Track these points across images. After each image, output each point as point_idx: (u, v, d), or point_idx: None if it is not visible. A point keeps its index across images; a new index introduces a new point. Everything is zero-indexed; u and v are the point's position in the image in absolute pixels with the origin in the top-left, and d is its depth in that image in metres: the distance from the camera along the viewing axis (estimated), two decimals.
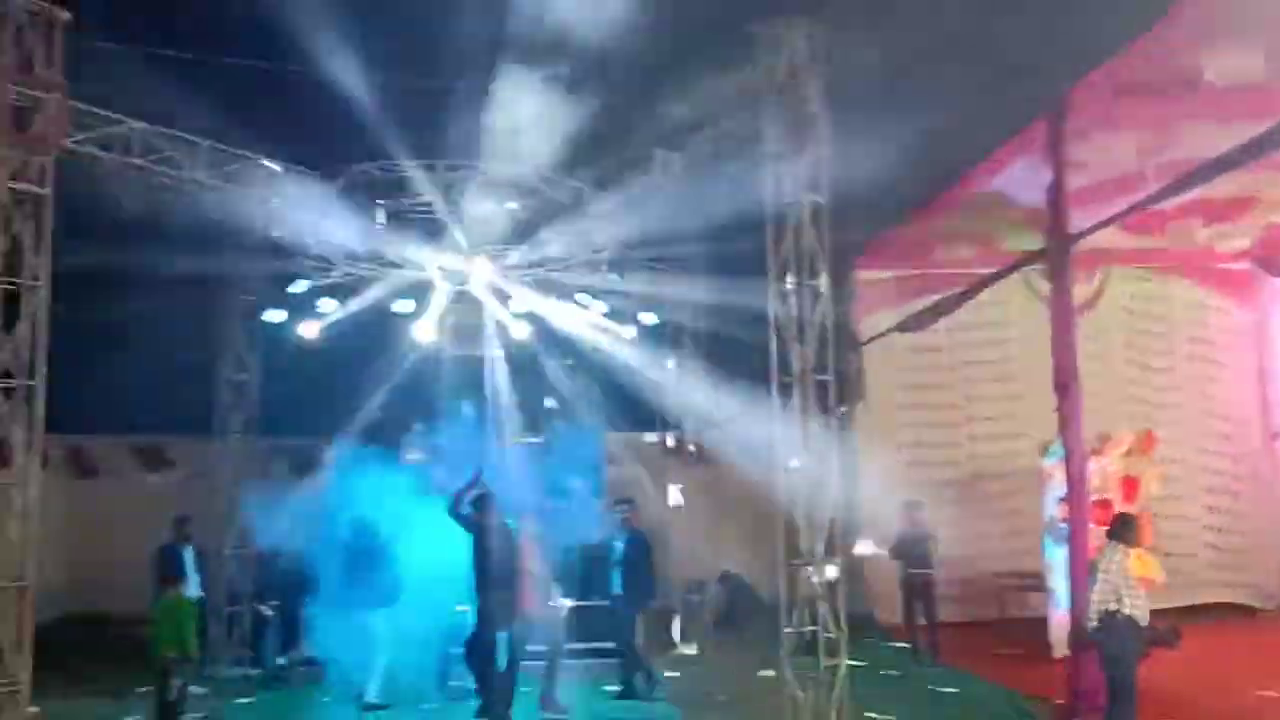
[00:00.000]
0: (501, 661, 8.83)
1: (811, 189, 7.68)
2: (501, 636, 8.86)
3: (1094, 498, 11.15)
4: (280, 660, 11.07)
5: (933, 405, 14.49)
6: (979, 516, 14.11)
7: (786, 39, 7.67)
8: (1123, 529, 7.73)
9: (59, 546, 11.79)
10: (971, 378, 14.55)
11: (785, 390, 7.50)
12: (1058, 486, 10.20)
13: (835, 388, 7.68)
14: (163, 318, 11.14)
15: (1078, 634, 8.21)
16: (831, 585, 7.35)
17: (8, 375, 7.08)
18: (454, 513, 9.01)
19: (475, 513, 8.99)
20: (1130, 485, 11.72)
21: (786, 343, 7.52)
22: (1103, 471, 11.59)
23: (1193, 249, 13.29)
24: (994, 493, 13.98)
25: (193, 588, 9.87)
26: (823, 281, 7.61)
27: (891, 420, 14.20)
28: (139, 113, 8.08)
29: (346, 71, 8.17)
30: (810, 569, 7.25)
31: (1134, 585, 7.42)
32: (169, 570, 8.82)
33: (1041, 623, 10.98)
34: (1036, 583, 11.83)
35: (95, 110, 7.82)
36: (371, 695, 9.65)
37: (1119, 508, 10.89)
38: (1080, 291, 13.53)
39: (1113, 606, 7.35)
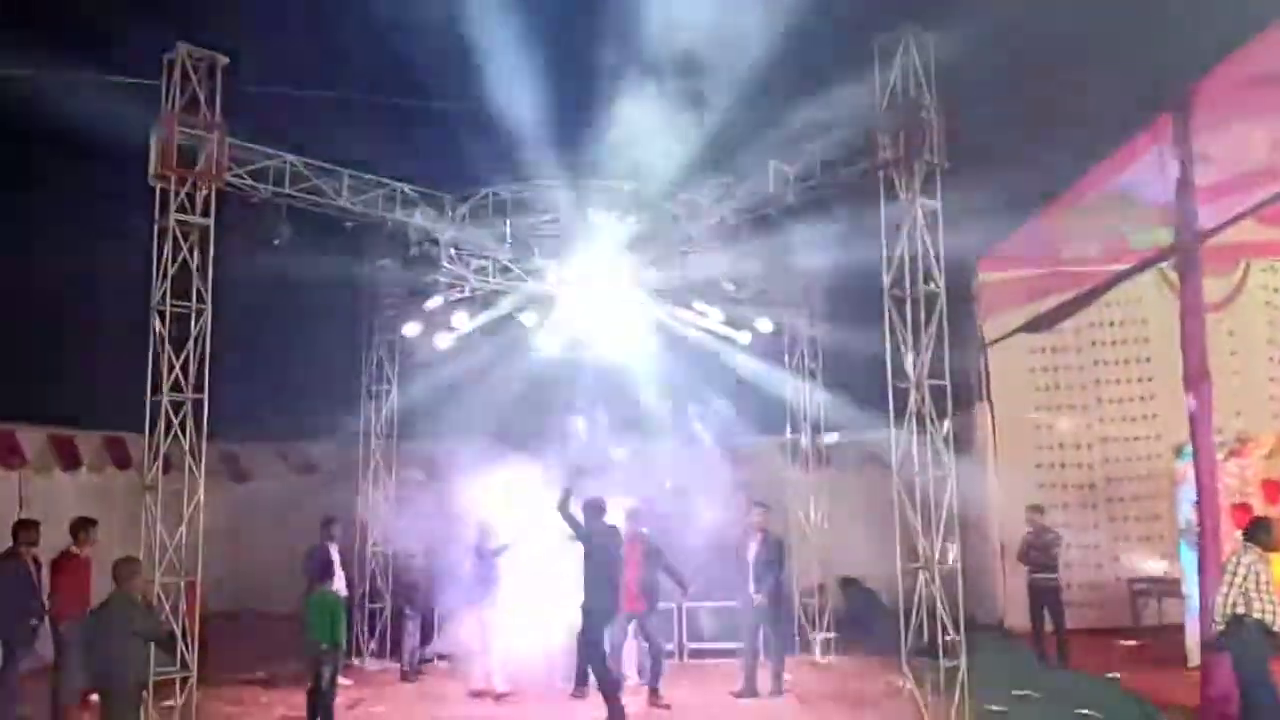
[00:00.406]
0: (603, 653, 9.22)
1: (926, 195, 7.72)
2: (606, 633, 9.26)
3: (1234, 501, 10.83)
4: (419, 654, 11.66)
5: (1063, 406, 14.22)
6: (1111, 520, 13.84)
7: (901, 49, 7.74)
8: (1258, 532, 7.57)
9: (214, 545, 12.74)
10: (1104, 378, 14.20)
11: (901, 396, 7.59)
12: (1193, 489, 9.90)
13: (952, 393, 7.73)
14: (308, 334, 11.94)
15: (1208, 640, 8.01)
16: (950, 588, 7.39)
17: (177, 389, 7.78)
18: (561, 510, 9.39)
19: (584, 516, 9.36)
20: (1273, 488, 11.25)
21: (901, 349, 7.60)
22: (1242, 473, 11.21)
23: None
24: (1128, 496, 13.67)
25: (339, 584, 10.52)
26: (938, 287, 7.65)
27: (1019, 422, 13.96)
28: (288, 146, 8.73)
29: (474, 101, 8.65)
30: (928, 572, 7.32)
31: (1266, 589, 7.23)
32: (319, 567, 9.43)
33: (1178, 630, 10.68)
34: (1172, 588, 11.50)
35: (251, 145, 8.50)
36: (499, 685, 10.16)
37: (1260, 511, 10.55)
38: (1219, 286, 13.19)
39: (1241, 610, 7.21)
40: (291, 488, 15.77)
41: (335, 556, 10.66)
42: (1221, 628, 7.31)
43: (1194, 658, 9.81)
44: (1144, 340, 13.79)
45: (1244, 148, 9.35)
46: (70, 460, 12.80)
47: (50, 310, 12.77)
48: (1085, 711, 8.64)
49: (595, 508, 9.45)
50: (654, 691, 9.77)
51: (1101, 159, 10.40)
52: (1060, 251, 13.27)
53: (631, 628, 10.06)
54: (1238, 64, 8.22)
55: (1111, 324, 14.01)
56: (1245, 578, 7.23)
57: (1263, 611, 7.16)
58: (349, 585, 11.34)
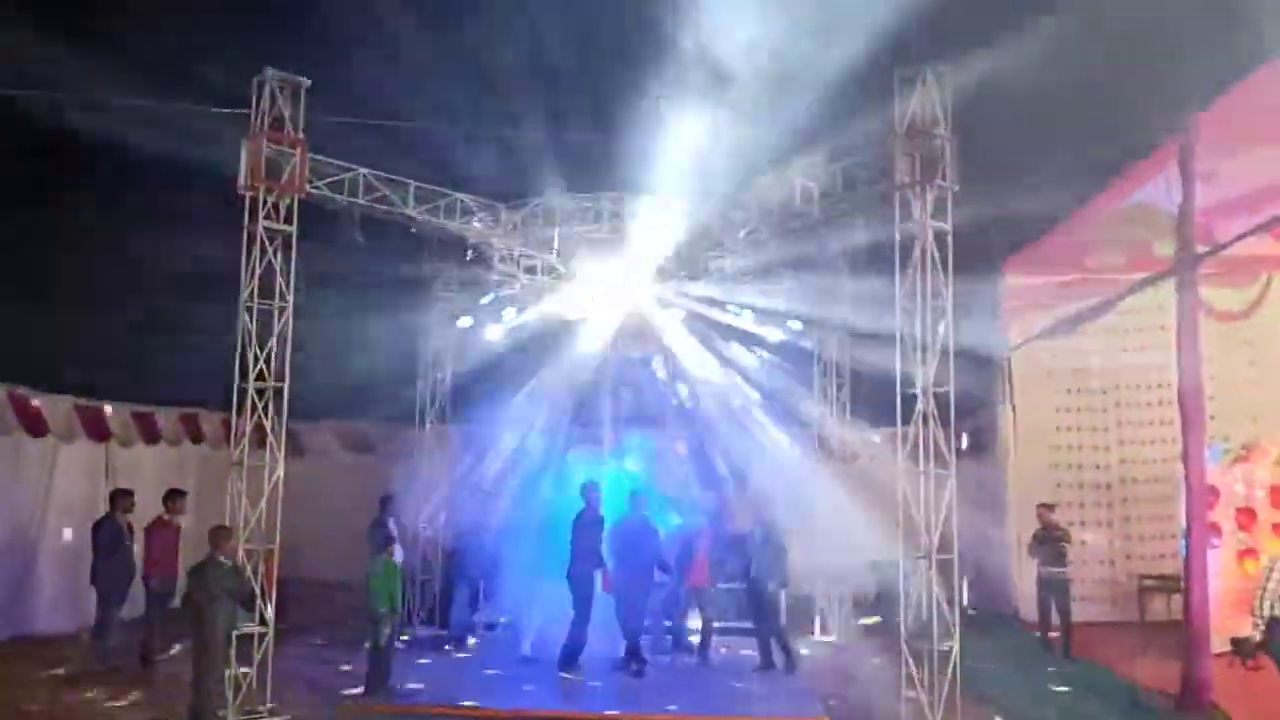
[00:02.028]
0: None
1: (937, 217, 8.39)
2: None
3: (1239, 505, 11.41)
4: (466, 623, 12.59)
5: (1083, 409, 14.69)
6: (1125, 520, 14.38)
7: (920, 81, 8.39)
8: None
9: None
10: (1125, 382, 14.63)
11: (909, 400, 8.30)
12: None
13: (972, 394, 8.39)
14: (369, 324, 12.94)
15: (1190, 631, 8.60)
16: (948, 577, 8.12)
17: (261, 378, 8.74)
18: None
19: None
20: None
21: (911, 359, 8.29)
22: (1249, 479, 11.73)
23: None
24: (1141, 497, 14.17)
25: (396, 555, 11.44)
26: (944, 301, 8.32)
27: (1041, 423, 14.47)
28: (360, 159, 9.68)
29: (529, 116, 9.50)
30: (926, 561, 8.07)
31: None
32: (381, 539, 10.43)
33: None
34: (1178, 585, 12.03)
35: (328, 159, 9.42)
36: (525, 650, 11.18)
37: (1265, 516, 11.12)
38: (1240, 297, 13.60)
39: (1279, 612, 7.79)
40: (346, 465, 16.77)
41: (394, 530, 11.62)
42: (1262, 629, 7.90)
43: None
44: (1164, 348, 14.19)
45: (1252, 169, 9.87)
46: (150, 434, 13.91)
47: (134, 303, 13.90)
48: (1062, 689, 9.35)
49: (586, 490, 10.78)
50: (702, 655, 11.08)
51: (1118, 177, 10.99)
52: (1084, 259, 13.77)
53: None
54: (1244, 93, 8.76)
55: (1135, 330, 14.48)
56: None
57: None
58: (402, 559, 12.25)
